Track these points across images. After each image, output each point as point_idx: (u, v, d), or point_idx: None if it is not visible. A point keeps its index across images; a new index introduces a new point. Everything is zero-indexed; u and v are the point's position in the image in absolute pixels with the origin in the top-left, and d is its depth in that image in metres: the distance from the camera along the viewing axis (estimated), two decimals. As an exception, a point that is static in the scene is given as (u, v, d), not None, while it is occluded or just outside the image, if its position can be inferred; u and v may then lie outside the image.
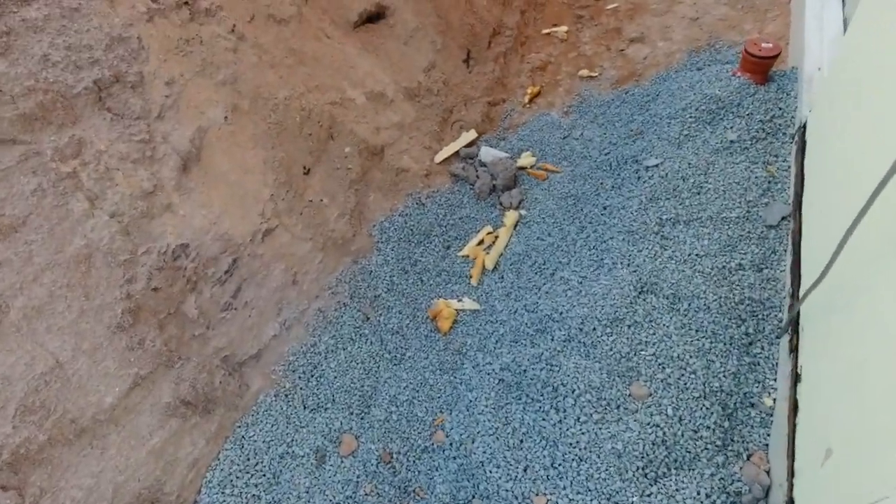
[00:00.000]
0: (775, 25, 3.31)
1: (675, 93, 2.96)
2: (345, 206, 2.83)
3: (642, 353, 2.04)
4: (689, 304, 2.11)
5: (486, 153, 3.28)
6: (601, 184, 2.90)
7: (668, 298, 2.15)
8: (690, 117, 2.69)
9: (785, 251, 2.19)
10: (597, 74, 3.64)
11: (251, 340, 2.50)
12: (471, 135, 3.42)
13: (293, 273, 2.66)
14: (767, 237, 2.25)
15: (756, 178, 2.39)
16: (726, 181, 2.42)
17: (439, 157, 3.29)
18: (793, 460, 1.62)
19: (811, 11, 2.78)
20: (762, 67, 2.65)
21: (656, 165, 2.60)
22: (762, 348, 2.02)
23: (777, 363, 1.97)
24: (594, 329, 2.15)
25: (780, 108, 2.58)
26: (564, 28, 4.04)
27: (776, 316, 2.06)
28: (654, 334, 2.07)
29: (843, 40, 1.99)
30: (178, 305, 2.26)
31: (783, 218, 2.24)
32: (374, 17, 3.39)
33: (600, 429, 1.91)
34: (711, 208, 2.35)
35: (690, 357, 1.98)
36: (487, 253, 2.89)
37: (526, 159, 3.28)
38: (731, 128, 2.58)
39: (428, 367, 2.56)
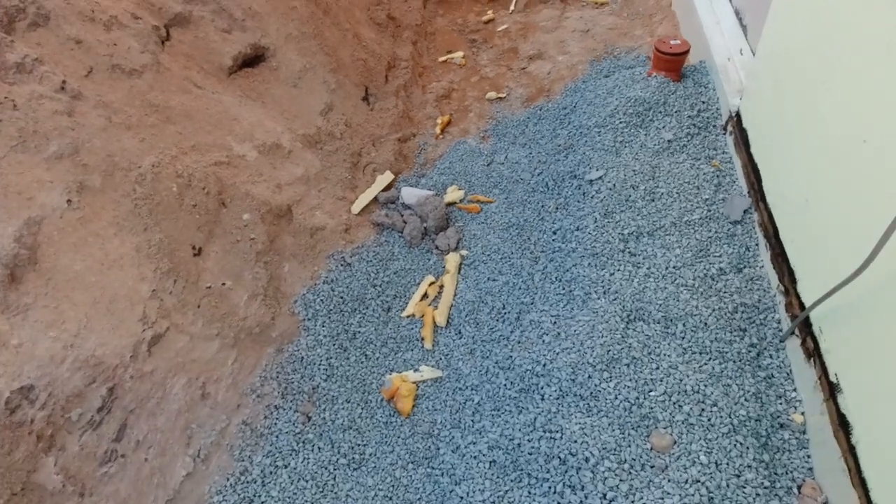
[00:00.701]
0: (664, 28, 3.37)
1: (594, 101, 2.84)
2: (255, 286, 2.27)
3: (651, 394, 1.73)
4: (685, 325, 1.85)
5: (409, 194, 2.90)
6: (542, 206, 2.65)
7: (659, 323, 1.88)
8: (620, 122, 2.55)
9: (757, 245, 2.04)
10: (505, 95, 3.47)
11: (154, 491, 1.83)
12: (387, 177, 3.03)
13: (200, 384, 2.03)
14: (735, 233, 2.09)
15: (705, 174, 2.26)
16: (676, 182, 2.26)
17: (357, 207, 2.85)
18: (865, 489, 1.37)
19: (702, 8, 2.82)
20: (675, 64, 2.60)
21: (600, 178, 2.40)
22: (771, 357, 1.81)
23: (791, 370, 1.77)
24: (589, 377, 1.81)
25: (704, 102, 2.52)
26: (460, 53, 3.86)
27: (774, 318, 1.87)
28: (657, 368, 1.78)
29: (770, 22, 1.92)
30: (28, 476, 1.56)
31: (745, 211, 2.11)
32: (252, 61, 2.93)
33: (633, 503, 1.55)
34: (671, 213, 2.17)
35: (705, 386, 1.71)
36: (436, 307, 2.48)
37: (453, 194, 2.96)
38: (664, 127, 2.46)
39: (396, 462, 2.05)
